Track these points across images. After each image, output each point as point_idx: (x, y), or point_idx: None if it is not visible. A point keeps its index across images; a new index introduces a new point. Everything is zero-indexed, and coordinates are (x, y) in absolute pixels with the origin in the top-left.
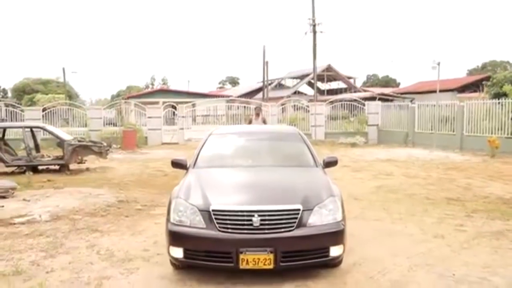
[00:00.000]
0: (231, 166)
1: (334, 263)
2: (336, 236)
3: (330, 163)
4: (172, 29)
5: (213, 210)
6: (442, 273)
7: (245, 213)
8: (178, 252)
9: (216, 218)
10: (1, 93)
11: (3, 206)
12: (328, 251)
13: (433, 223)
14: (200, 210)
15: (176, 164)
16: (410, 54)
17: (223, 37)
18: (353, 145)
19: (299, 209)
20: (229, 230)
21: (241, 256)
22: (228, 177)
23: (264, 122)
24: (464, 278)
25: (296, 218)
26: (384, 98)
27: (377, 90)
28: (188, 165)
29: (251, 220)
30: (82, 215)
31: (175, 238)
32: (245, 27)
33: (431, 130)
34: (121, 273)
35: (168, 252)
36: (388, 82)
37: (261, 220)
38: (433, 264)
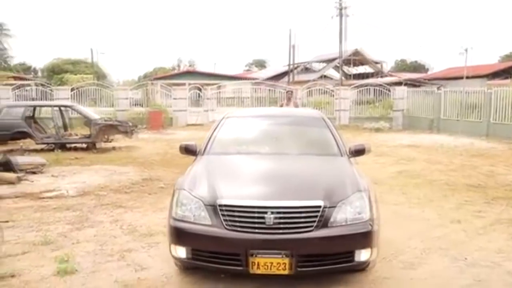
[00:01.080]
0: (246, 153)
1: (361, 268)
2: (363, 238)
3: (357, 152)
4: (199, 11)
5: (220, 205)
6: (455, 256)
7: (256, 210)
8: (181, 252)
9: (223, 214)
10: (32, 73)
11: (33, 181)
12: (353, 255)
13: (451, 209)
14: (206, 204)
15: (185, 149)
16: (440, 39)
17: (250, 19)
18: (377, 130)
19: (320, 206)
20: (238, 229)
21: (251, 259)
22: (241, 166)
23: (296, 107)
24: (476, 262)
25: (316, 216)
26: (411, 84)
27: (405, 76)
28: (197, 151)
29: (263, 217)
30: (107, 192)
31: (178, 236)
32: (273, 10)
33: (457, 117)
34: (142, 246)
35: (170, 252)
36: (416, 67)
37: (276, 218)
38: (447, 248)
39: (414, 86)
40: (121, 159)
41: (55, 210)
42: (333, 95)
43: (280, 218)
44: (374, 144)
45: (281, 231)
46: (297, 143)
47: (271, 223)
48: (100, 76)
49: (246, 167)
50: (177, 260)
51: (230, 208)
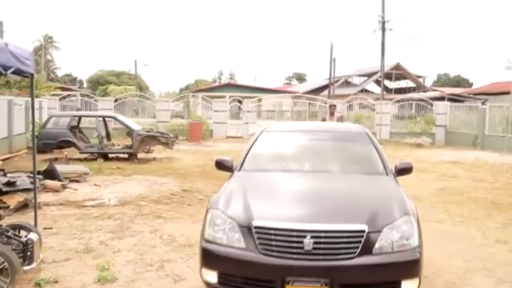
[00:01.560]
0: (284, 170)
1: None
2: (410, 267)
3: (403, 171)
4: (241, 25)
5: (255, 227)
6: (501, 278)
7: (294, 233)
8: (211, 277)
9: (258, 238)
10: (78, 84)
11: (76, 189)
12: (399, 286)
13: (497, 228)
14: (240, 226)
15: (220, 165)
16: (484, 53)
17: (291, 33)
18: (419, 145)
19: (363, 231)
20: (274, 254)
21: (288, 287)
22: (279, 185)
23: (341, 121)
24: None
25: (359, 242)
26: (454, 99)
27: (448, 90)
28: (233, 167)
29: (302, 242)
30: (147, 202)
31: (209, 258)
32: (314, 23)
33: (503, 133)
34: (181, 257)
35: (200, 275)
36: (459, 82)
37: (315, 242)
38: (492, 268)
39: (457, 101)
40: (161, 170)
41: (97, 218)
42: (374, 110)
43: (320, 243)
44: (415, 159)
45: (320, 257)
46: (339, 160)
47: (310, 248)
48: (142, 87)
49: (284, 186)
50: (208, 285)
51: (265, 231)
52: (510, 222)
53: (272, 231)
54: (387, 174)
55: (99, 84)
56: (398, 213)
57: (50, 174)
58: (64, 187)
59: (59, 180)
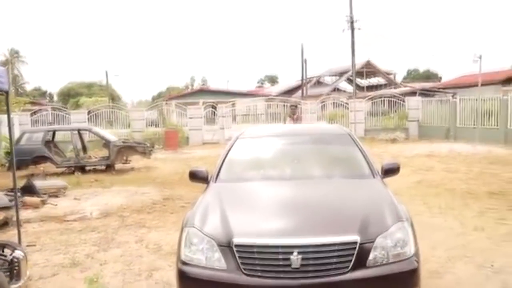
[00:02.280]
0: (264, 179)
1: None
2: (408, 278)
3: (390, 171)
4: (210, 30)
5: (236, 245)
6: (481, 264)
7: (280, 249)
8: None
9: (240, 257)
10: (48, 98)
11: (56, 204)
12: None
13: (474, 217)
14: (219, 244)
15: (194, 176)
16: (452, 47)
17: (261, 36)
18: (393, 141)
19: (356, 242)
20: (259, 273)
21: None
22: (259, 195)
23: (299, 121)
24: (503, 269)
25: (352, 254)
26: (425, 93)
27: (418, 85)
28: (209, 178)
29: (288, 259)
30: (129, 212)
31: (186, 283)
32: (283, 25)
33: (474, 124)
34: (169, 265)
35: None
36: (429, 76)
37: (303, 258)
38: (472, 255)
39: (428, 95)
40: (140, 180)
41: (80, 232)
42: (347, 108)
43: (309, 258)
44: (391, 154)
45: (310, 274)
46: (322, 164)
47: (298, 265)
48: (114, 98)
49: (265, 197)
50: None
51: (248, 249)
52: (485, 210)
53: (255, 249)
54: (373, 176)
55: (70, 96)
56: (390, 220)
57: (29, 190)
58: (43, 202)
59: (38, 196)
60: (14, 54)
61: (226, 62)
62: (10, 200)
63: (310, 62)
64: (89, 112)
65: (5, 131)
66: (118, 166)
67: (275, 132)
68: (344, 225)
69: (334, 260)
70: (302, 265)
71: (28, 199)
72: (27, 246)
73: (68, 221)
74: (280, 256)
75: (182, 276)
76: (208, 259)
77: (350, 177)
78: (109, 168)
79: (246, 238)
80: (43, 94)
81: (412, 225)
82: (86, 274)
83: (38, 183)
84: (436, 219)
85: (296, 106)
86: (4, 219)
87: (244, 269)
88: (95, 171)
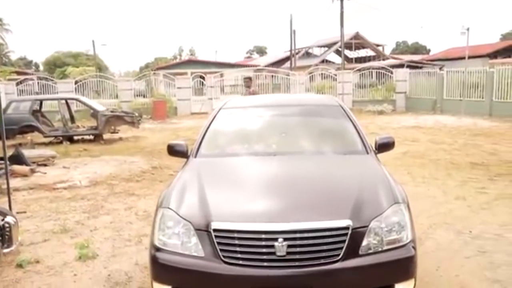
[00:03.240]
0: (248, 154)
1: None
2: (404, 266)
3: (384, 146)
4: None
5: (214, 230)
6: (460, 230)
7: (263, 235)
8: None
9: (219, 243)
10: (34, 67)
11: (45, 173)
12: None
13: (456, 186)
14: (197, 229)
15: (172, 150)
16: (440, 19)
17: (250, 6)
18: (381, 112)
19: (347, 227)
20: (240, 262)
21: None
22: (243, 173)
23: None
24: (480, 235)
25: (343, 241)
26: (413, 66)
27: (407, 58)
28: (189, 152)
29: (273, 246)
30: (118, 181)
31: (160, 271)
32: None
33: (460, 97)
34: None
35: None
36: (418, 49)
37: (289, 246)
38: (452, 222)
39: (416, 67)
40: (129, 149)
41: (70, 200)
42: (335, 79)
43: (295, 246)
44: (377, 126)
45: (296, 263)
46: (311, 138)
47: (283, 253)
48: (101, 68)
49: (249, 175)
50: None
51: (228, 234)
52: (468, 180)
53: (235, 234)
54: (367, 152)
55: (56, 66)
56: (386, 201)
57: (17, 159)
58: (32, 171)
59: (27, 164)
60: None
61: (215, 32)
62: None
63: (299, 33)
64: (76, 82)
65: None
66: (106, 136)
67: (261, 102)
68: (335, 208)
69: (324, 247)
70: (288, 253)
71: (16, 167)
72: (18, 213)
73: (57, 189)
74: (264, 243)
75: (155, 263)
76: (184, 245)
77: (341, 153)
78: (98, 138)
79: (225, 222)
80: (28, 63)
81: (409, 208)
82: (77, 240)
83: (27, 152)
84: (420, 188)
85: (250, 79)
86: None
87: (223, 256)
88: (83, 141)
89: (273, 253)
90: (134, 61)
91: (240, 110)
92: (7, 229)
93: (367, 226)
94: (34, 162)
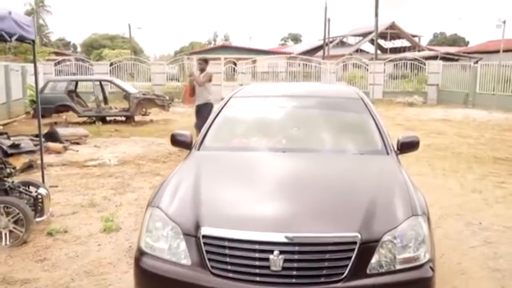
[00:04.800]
0: (253, 149)
1: None
2: None
3: (408, 146)
4: None
5: (204, 236)
6: (470, 221)
7: (257, 246)
8: None
9: (208, 251)
10: (71, 48)
11: (77, 151)
12: None
13: (475, 180)
14: (185, 234)
15: (175, 140)
16: (480, 11)
17: None
18: (411, 104)
19: (355, 242)
20: (230, 275)
21: None
22: (246, 171)
23: (209, 80)
24: (490, 227)
25: (349, 257)
26: (449, 58)
27: (443, 49)
28: (193, 144)
29: (267, 259)
30: (146, 161)
31: (144, 278)
32: None
33: (493, 91)
34: None
35: None
36: (456, 41)
37: (286, 260)
38: (464, 214)
39: (452, 60)
40: (158, 131)
41: (99, 177)
42: (368, 69)
43: (293, 260)
44: (405, 118)
45: (293, 280)
46: (325, 135)
47: (279, 267)
48: (136, 51)
49: (252, 174)
50: None
51: (217, 242)
52: (488, 174)
53: (226, 243)
54: (387, 152)
55: (93, 48)
56: (402, 213)
57: (52, 136)
58: (65, 148)
59: (61, 142)
60: (39, 3)
61: (250, 19)
62: (35, 145)
63: (334, 22)
64: (111, 64)
65: (30, 80)
66: (137, 117)
67: (276, 92)
68: (342, 218)
69: (326, 264)
70: (284, 268)
71: (51, 145)
72: (50, 187)
73: (88, 166)
74: (257, 255)
75: (138, 268)
76: (171, 250)
77: (358, 153)
78: (129, 119)
79: (216, 228)
80: (67, 44)
81: (429, 221)
82: (103, 214)
83: (61, 130)
84: (438, 180)
85: (206, 61)
86: (29, 162)
87: (211, 267)
88: (115, 121)
89: (267, 267)
90: (169, 45)
91: (251, 99)
92: (40, 200)
93: (378, 241)
94: (67, 140)
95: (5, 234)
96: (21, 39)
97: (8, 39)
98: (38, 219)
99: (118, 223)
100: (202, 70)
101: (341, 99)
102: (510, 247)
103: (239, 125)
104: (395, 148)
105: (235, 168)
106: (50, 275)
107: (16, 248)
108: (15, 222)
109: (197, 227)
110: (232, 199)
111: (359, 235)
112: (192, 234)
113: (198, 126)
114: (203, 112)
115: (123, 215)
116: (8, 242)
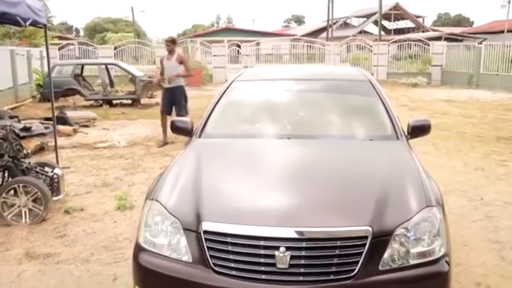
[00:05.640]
0: (257, 136)
1: None
2: (436, 286)
3: (418, 130)
4: None
5: (205, 232)
6: (472, 197)
7: (262, 242)
8: None
9: (210, 247)
10: (74, 32)
11: (87, 133)
12: None
13: (477, 158)
14: (186, 229)
15: (176, 127)
16: None
17: None
18: (415, 85)
19: (366, 235)
20: (233, 272)
21: None
22: (247, 161)
23: (181, 62)
24: (491, 202)
25: (360, 253)
26: (453, 38)
27: (447, 30)
28: (193, 131)
29: (273, 255)
30: (154, 142)
31: (143, 275)
32: None
33: (497, 71)
34: None
35: None
36: (460, 21)
37: (293, 257)
38: (467, 190)
39: (456, 40)
40: None
41: (110, 158)
42: (371, 51)
43: (300, 257)
44: (410, 99)
45: (301, 278)
46: (332, 120)
47: (285, 265)
48: (139, 34)
49: (256, 163)
50: None
51: (220, 238)
52: (490, 153)
53: (229, 239)
54: (397, 138)
55: (96, 32)
56: (415, 203)
57: (61, 120)
58: (75, 131)
59: (70, 125)
60: None
61: (253, 1)
62: (45, 128)
63: (338, 2)
64: (115, 48)
65: (35, 64)
66: (143, 100)
67: (279, 75)
68: (351, 210)
69: (335, 260)
70: (291, 265)
71: (61, 127)
72: (63, 168)
73: (98, 148)
74: (262, 252)
75: (137, 264)
76: (171, 246)
77: (366, 138)
78: (135, 102)
79: (218, 223)
80: (69, 28)
81: (444, 212)
82: (116, 193)
83: (70, 113)
84: (442, 159)
85: (173, 41)
86: (40, 145)
87: (213, 264)
88: (121, 104)
89: (273, 265)
90: (172, 28)
91: (254, 83)
92: (56, 179)
93: (390, 235)
94: (76, 123)
95: (25, 212)
96: (34, 23)
97: (23, 23)
98: (55, 198)
99: (131, 202)
100: (170, 51)
101: (347, 82)
102: (510, 221)
103: (241, 110)
104: (405, 133)
105: (237, 157)
106: (70, 250)
107: (36, 226)
108: (34, 201)
109: (198, 221)
110: (234, 191)
111: (370, 229)
112: (193, 229)
113: (179, 111)
114: (177, 96)
115: (135, 194)
116: (28, 220)
